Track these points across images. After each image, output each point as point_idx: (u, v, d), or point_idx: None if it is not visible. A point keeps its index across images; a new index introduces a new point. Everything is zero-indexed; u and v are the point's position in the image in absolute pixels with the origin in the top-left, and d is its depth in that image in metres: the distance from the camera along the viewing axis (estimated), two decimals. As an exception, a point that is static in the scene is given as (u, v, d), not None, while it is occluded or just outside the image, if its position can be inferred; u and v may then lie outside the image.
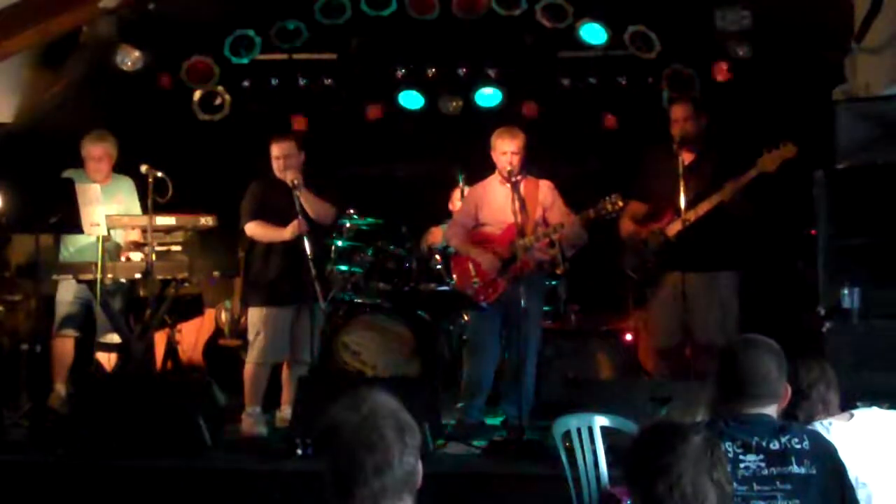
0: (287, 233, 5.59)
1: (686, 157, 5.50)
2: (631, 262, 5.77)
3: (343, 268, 6.74)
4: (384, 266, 6.76)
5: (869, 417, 3.07)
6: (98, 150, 5.95)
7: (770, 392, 2.71)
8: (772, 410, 2.73)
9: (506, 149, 5.57)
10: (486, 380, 5.78)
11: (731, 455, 2.58)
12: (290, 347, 5.73)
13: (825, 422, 2.98)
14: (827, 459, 2.65)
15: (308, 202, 5.68)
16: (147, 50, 6.81)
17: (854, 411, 3.07)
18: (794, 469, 2.59)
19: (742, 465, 2.60)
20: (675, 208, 5.45)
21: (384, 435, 1.95)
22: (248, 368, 5.73)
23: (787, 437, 2.63)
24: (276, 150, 5.74)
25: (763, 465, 2.60)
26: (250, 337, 5.78)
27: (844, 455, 2.76)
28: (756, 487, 2.57)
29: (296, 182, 5.60)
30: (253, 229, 5.75)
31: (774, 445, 2.62)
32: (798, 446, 2.62)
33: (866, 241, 4.50)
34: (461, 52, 7.51)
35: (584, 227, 5.59)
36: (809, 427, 2.87)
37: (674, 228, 5.50)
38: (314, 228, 5.69)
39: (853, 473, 2.78)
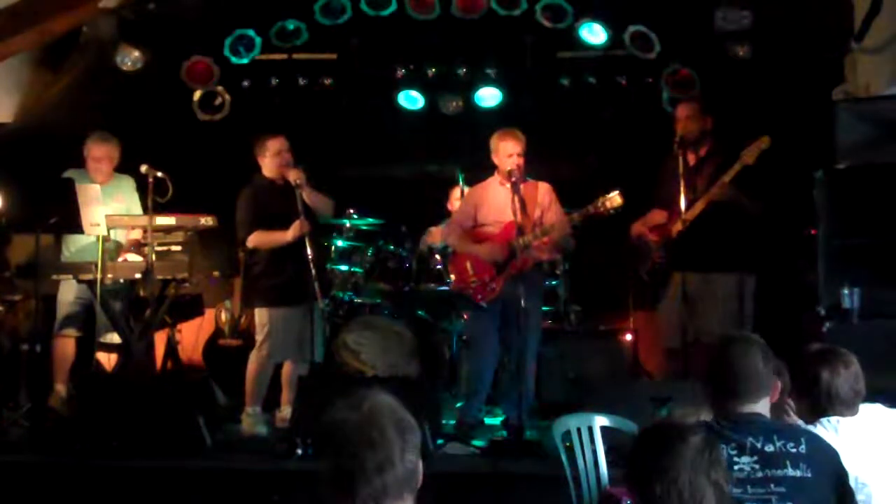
0: (289, 235, 5.58)
1: (690, 159, 5.52)
2: (643, 264, 5.80)
3: (343, 268, 6.75)
4: (384, 266, 6.76)
5: (873, 414, 3.06)
6: (100, 151, 5.96)
7: (760, 387, 2.70)
8: (764, 406, 2.72)
9: (512, 151, 5.58)
10: (485, 380, 5.78)
11: (724, 457, 2.57)
12: (296, 348, 5.73)
13: (833, 419, 2.97)
14: (825, 463, 2.64)
15: (310, 198, 5.68)
16: (147, 50, 6.81)
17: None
18: (789, 472, 2.58)
19: (736, 468, 2.59)
20: (678, 209, 5.47)
21: (385, 433, 1.95)
22: (252, 368, 5.72)
23: (783, 440, 2.62)
24: (275, 146, 5.74)
25: (757, 467, 2.58)
26: (258, 337, 5.75)
27: (849, 453, 2.76)
28: (750, 490, 2.55)
29: (299, 181, 5.59)
30: (255, 240, 5.70)
31: (769, 448, 2.61)
32: (794, 450, 2.61)
33: (866, 241, 4.51)
34: (461, 52, 7.51)
35: (582, 222, 5.60)
36: (809, 429, 2.86)
37: (675, 228, 5.52)
38: (315, 228, 5.69)
39: (854, 473, 2.78)
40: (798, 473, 2.58)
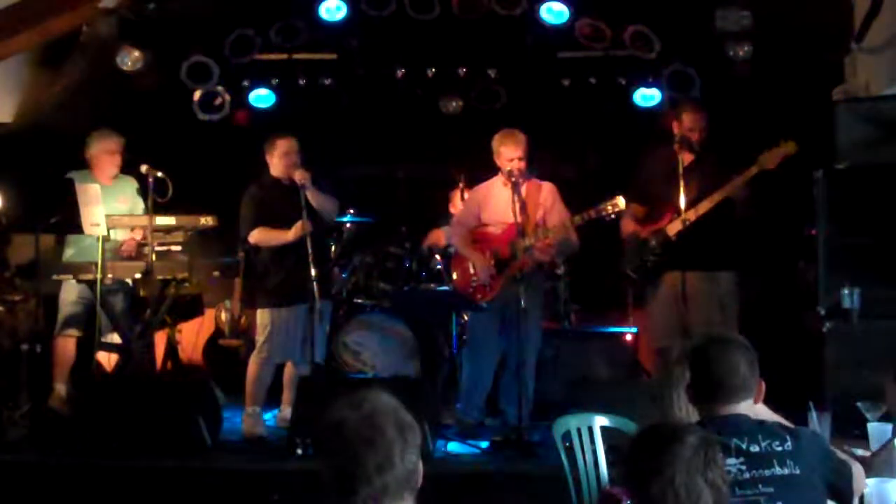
0: (291, 235, 5.58)
1: (686, 158, 5.51)
2: (631, 261, 5.79)
3: (343, 268, 6.74)
4: (384, 266, 6.76)
5: None
6: (112, 145, 5.95)
7: (744, 388, 2.67)
8: (747, 408, 2.70)
9: (512, 155, 5.59)
10: (485, 380, 5.78)
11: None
12: (297, 348, 5.73)
13: None
14: (813, 457, 2.61)
15: (315, 199, 5.68)
16: (147, 50, 6.81)
17: None
18: (777, 471, 2.55)
19: None
20: (676, 208, 5.46)
21: (385, 433, 1.95)
22: (253, 369, 5.71)
23: (768, 439, 2.60)
24: (284, 146, 5.74)
25: (744, 468, 2.54)
26: (258, 337, 5.75)
27: None
28: (738, 492, 2.50)
29: (304, 182, 5.59)
30: (257, 236, 5.70)
31: (754, 448, 2.57)
32: (780, 448, 2.58)
33: (866, 241, 4.50)
34: (461, 52, 7.51)
35: (580, 227, 5.60)
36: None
37: (674, 228, 5.51)
38: (316, 228, 5.70)
39: None
40: (786, 471, 2.56)
